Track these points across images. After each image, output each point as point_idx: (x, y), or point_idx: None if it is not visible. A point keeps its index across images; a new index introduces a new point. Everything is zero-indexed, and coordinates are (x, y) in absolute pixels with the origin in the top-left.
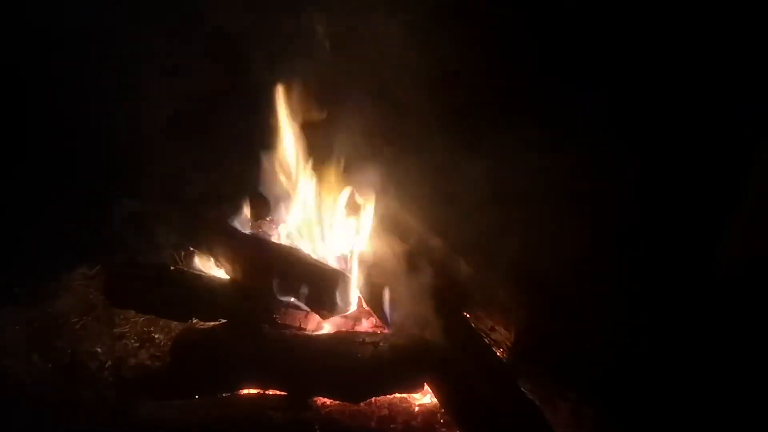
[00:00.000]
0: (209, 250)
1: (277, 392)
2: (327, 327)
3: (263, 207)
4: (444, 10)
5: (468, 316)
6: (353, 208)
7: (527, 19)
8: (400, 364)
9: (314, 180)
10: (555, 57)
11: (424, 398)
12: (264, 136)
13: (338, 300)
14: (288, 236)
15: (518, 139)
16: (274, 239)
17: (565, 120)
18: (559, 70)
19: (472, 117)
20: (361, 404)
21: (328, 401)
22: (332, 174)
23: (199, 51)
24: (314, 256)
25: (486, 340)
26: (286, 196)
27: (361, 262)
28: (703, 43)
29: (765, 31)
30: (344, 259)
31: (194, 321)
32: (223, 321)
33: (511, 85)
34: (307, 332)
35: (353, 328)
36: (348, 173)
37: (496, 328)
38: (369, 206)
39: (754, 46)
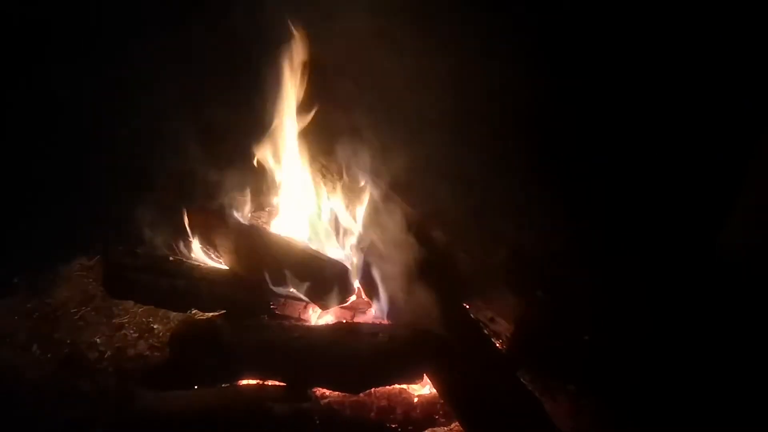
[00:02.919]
0: (208, 241)
1: (277, 383)
2: (326, 318)
3: (262, 198)
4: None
5: (467, 307)
6: (352, 197)
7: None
8: (399, 355)
9: (313, 169)
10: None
11: (424, 389)
12: (261, 127)
13: (337, 291)
14: (287, 227)
15: (516, 136)
16: (273, 230)
17: (563, 112)
18: (562, 64)
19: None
20: (361, 395)
21: (327, 392)
22: (331, 163)
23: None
24: (313, 247)
25: (485, 331)
26: (285, 187)
27: (361, 252)
28: (706, 39)
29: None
30: (344, 250)
31: (193, 312)
32: (222, 312)
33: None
34: (306, 323)
35: (353, 319)
36: (347, 163)
37: (496, 319)
38: (368, 196)
39: (756, 42)
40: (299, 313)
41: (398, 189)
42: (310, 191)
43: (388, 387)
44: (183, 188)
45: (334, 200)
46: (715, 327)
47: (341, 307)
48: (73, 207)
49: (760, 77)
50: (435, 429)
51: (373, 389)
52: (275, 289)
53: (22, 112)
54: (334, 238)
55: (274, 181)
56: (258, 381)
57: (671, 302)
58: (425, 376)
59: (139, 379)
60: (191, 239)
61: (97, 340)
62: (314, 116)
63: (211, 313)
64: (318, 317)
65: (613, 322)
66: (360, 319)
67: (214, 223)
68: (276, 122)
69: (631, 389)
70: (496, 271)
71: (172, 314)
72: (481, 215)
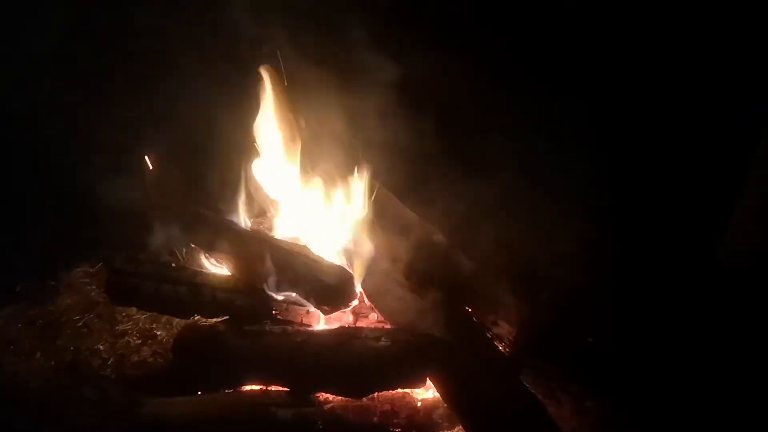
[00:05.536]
0: (211, 247)
1: (280, 388)
2: (329, 323)
3: (263, 203)
4: None
5: (470, 310)
6: (354, 201)
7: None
8: (402, 360)
9: (314, 174)
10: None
11: (427, 393)
12: (261, 131)
13: (340, 296)
14: (289, 232)
15: (517, 137)
16: (275, 235)
17: (564, 113)
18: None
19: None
20: (364, 399)
21: (330, 397)
22: (332, 168)
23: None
24: (315, 252)
25: (488, 334)
26: (286, 192)
27: (363, 257)
28: (707, 39)
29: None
30: (345, 254)
31: (196, 318)
32: (225, 317)
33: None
34: (308, 328)
35: (355, 324)
36: (348, 167)
37: (499, 322)
38: (370, 200)
39: (756, 43)
40: (301, 318)
41: (400, 193)
42: (312, 196)
43: (391, 391)
44: (185, 195)
45: (336, 205)
46: (717, 329)
47: (343, 312)
48: (75, 214)
49: (760, 78)
50: None
51: (376, 393)
52: (277, 294)
53: (22, 119)
54: (336, 242)
55: (275, 186)
56: (261, 386)
57: (673, 304)
58: (428, 380)
59: (143, 386)
60: (194, 245)
61: (100, 347)
62: (314, 121)
63: (213, 319)
64: (320, 322)
65: (616, 324)
66: (362, 323)
67: (216, 229)
68: (276, 125)
69: (635, 391)
70: (498, 274)
71: (175, 320)
72: (483, 218)
